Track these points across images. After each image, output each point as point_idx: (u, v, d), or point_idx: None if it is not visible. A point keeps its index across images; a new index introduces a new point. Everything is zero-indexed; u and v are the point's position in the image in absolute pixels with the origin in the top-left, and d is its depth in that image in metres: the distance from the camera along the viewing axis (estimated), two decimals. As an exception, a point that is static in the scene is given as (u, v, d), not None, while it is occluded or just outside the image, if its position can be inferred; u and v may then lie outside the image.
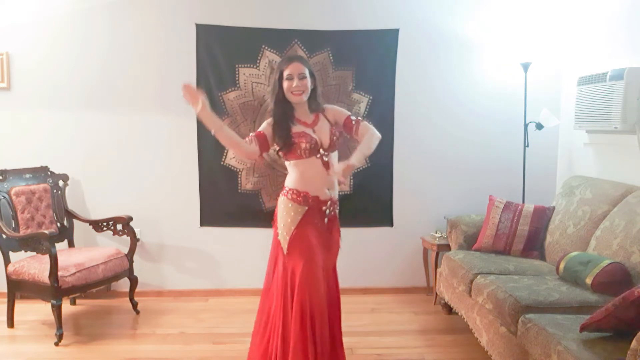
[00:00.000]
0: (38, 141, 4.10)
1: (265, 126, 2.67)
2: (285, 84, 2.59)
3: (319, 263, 2.57)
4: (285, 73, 2.58)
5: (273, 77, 2.68)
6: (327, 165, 2.63)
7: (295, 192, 2.62)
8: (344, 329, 3.43)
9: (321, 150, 2.62)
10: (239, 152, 2.70)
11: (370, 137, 2.67)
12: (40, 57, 4.04)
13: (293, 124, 2.63)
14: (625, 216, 2.92)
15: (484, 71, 4.20)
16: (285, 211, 2.63)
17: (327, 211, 2.67)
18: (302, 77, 2.58)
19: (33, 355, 3.19)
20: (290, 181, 2.68)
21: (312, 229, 2.61)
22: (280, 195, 2.69)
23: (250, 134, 2.66)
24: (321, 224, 2.65)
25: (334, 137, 2.66)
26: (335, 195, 2.72)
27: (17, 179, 3.78)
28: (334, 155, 2.70)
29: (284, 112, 2.63)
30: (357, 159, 2.59)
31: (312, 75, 2.64)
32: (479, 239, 3.66)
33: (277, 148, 2.67)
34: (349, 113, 2.75)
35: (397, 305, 4.07)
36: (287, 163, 2.71)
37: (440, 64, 4.20)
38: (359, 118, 2.74)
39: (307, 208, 2.60)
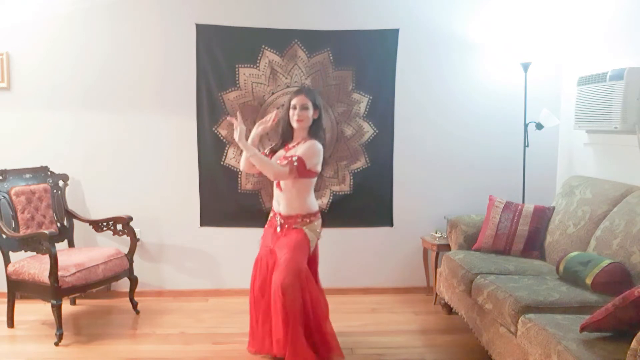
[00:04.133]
0: (38, 141, 4.09)
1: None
2: (290, 112, 3.02)
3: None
4: (292, 103, 3.01)
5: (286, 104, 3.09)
6: (278, 185, 3.04)
7: None
8: (344, 329, 3.44)
9: None
10: (268, 172, 2.95)
11: (271, 164, 2.93)
12: (40, 57, 4.04)
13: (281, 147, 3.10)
14: (625, 216, 2.92)
15: (484, 71, 4.20)
16: None
17: (278, 222, 3.06)
18: (303, 108, 2.97)
19: (33, 355, 3.19)
20: None
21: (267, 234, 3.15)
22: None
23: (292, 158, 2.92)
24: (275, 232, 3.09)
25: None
26: (283, 211, 3.04)
27: (17, 179, 3.78)
28: (297, 181, 2.96)
29: (282, 133, 3.10)
30: (246, 146, 2.89)
31: (316, 106, 3.02)
32: (479, 239, 3.66)
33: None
34: (301, 156, 2.90)
35: (397, 305, 4.07)
36: None
37: (440, 64, 4.20)
38: (294, 163, 2.88)
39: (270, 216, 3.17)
